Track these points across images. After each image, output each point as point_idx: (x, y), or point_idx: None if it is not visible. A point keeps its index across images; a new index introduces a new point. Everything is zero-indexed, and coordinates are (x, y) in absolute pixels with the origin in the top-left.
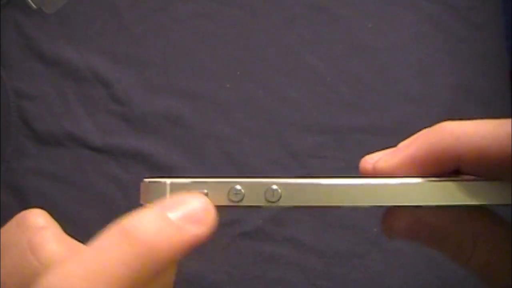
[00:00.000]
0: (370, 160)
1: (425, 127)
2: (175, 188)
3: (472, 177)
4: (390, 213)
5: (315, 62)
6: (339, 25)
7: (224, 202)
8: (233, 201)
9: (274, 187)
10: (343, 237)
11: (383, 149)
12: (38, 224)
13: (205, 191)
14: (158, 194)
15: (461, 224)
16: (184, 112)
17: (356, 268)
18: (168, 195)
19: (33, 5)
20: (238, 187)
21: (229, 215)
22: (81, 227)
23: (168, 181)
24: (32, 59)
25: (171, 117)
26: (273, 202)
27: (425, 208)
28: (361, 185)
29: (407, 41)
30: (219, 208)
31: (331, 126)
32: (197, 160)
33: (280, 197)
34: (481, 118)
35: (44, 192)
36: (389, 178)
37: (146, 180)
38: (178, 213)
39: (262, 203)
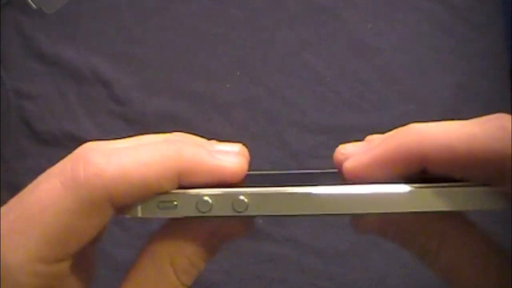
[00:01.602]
0: (343, 151)
1: None
2: (144, 205)
3: (447, 183)
4: None
5: (315, 62)
6: (339, 25)
7: (193, 212)
8: (201, 212)
9: (241, 197)
10: (343, 237)
11: None
12: None
13: (175, 203)
14: (132, 213)
15: (427, 224)
16: (184, 112)
17: (356, 268)
18: (140, 214)
19: (33, 5)
20: (206, 198)
21: None
22: None
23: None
24: (32, 59)
25: (171, 117)
26: (240, 212)
27: None
28: (331, 194)
29: (407, 41)
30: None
31: (331, 126)
32: None
33: (247, 207)
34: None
35: None
36: (357, 185)
37: None
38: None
39: (230, 213)
